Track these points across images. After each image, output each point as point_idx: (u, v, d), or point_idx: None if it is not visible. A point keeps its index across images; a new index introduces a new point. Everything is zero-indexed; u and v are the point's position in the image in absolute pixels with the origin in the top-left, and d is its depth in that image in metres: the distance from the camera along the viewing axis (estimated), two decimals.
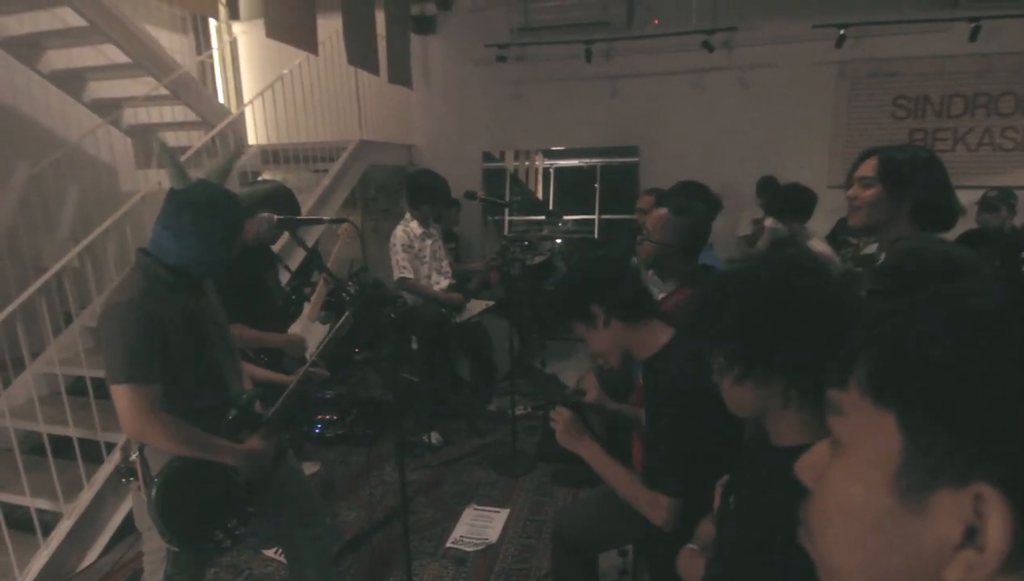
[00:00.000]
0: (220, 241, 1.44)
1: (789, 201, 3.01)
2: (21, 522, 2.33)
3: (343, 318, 1.85)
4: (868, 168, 1.51)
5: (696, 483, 1.25)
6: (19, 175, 3.68)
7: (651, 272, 2.02)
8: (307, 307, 2.35)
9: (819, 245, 2.89)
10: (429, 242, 3.31)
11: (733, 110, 4.69)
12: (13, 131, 3.81)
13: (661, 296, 1.83)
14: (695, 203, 1.84)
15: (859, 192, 1.52)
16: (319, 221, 2.03)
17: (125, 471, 1.46)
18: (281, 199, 2.22)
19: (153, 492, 1.38)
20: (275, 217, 1.71)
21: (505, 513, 2.65)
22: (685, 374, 1.33)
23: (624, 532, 1.67)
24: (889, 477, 0.37)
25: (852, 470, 0.40)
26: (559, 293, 1.58)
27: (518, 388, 3.38)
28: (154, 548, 1.52)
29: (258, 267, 2.34)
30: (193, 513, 1.44)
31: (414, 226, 3.25)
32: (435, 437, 3.32)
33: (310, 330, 2.37)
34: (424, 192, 3.24)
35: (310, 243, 2.44)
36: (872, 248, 1.77)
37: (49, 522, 2.35)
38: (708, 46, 4.40)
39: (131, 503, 2.44)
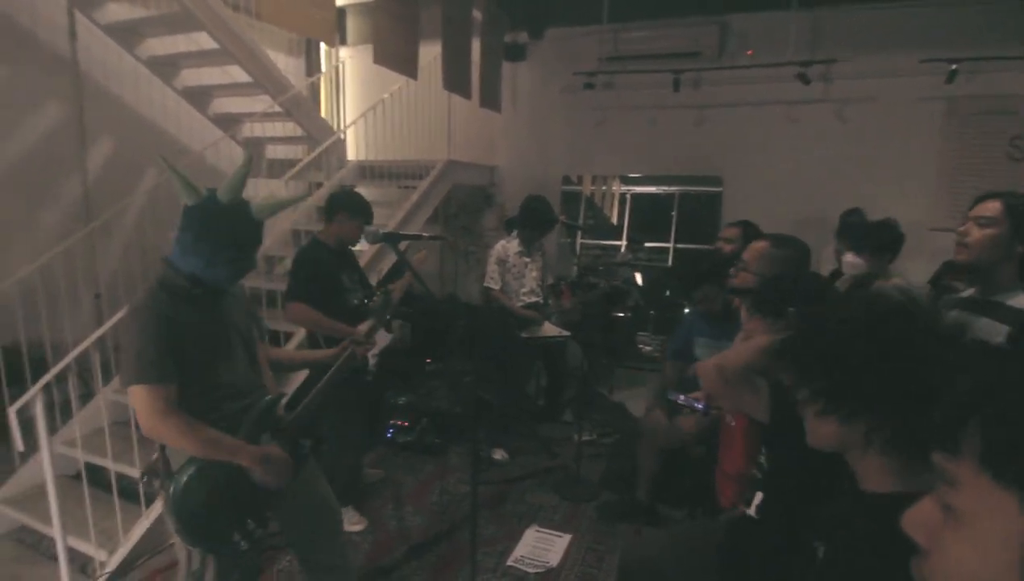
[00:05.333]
0: (228, 256, 1.43)
1: (871, 237, 2.85)
2: (127, 491, 2.58)
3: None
4: (989, 209, 1.52)
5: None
6: (149, 179, 4.14)
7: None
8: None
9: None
10: (527, 261, 3.57)
11: (828, 144, 4.51)
12: (149, 139, 4.29)
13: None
14: (795, 238, 1.82)
15: (973, 229, 1.53)
16: (419, 237, 2.18)
17: (147, 471, 1.50)
18: (356, 203, 2.52)
19: (171, 490, 1.40)
20: (380, 230, 1.85)
21: (567, 538, 2.64)
22: None
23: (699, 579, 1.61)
24: (1013, 559, 0.36)
25: (973, 546, 0.39)
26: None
27: (584, 413, 3.37)
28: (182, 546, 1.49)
29: (338, 266, 2.58)
30: (210, 513, 1.43)
31: (514, 245, 3.55)
32: (500, 454, 3.36)
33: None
34: (531, 216, 3.49)
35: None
36: (967, 293, 1.69)
37: (151, 493, 2.57)
38: (804, 78, 4.27)
39: None
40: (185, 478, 1.41)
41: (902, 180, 4.33)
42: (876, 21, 4.26)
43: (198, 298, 1.46)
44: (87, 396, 3.18)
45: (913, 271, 2.94)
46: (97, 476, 2.62)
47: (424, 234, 2.22)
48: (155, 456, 1.47)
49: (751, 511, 1.40)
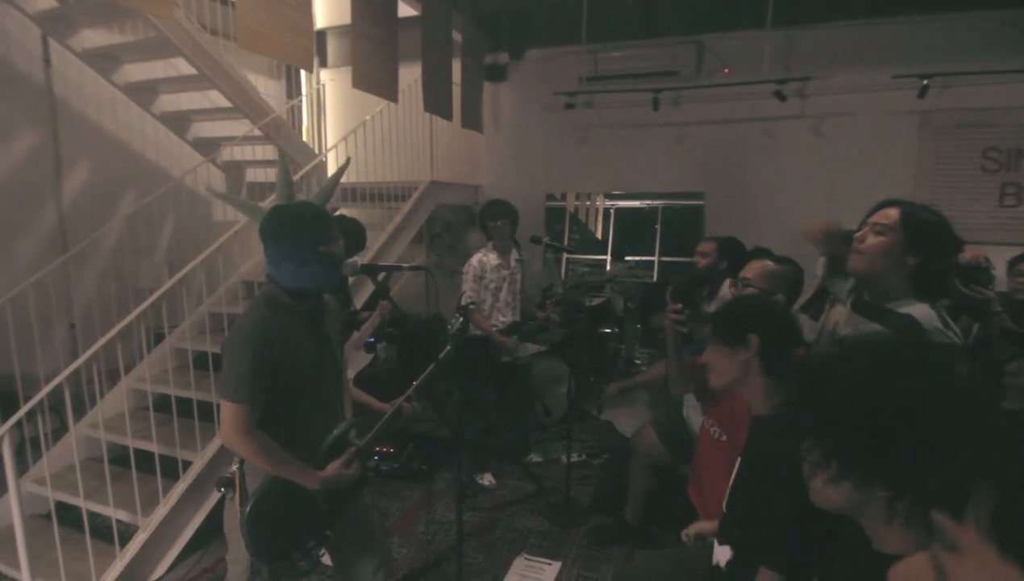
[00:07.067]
0: (311, 245, 1.47)
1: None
2: (100, 530, 2.49)
3: (444, 352, 1.92)
4: (886, 216, 1.46)
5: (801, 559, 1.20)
6: (126, 205, 4.08)
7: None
8: (355, 335, 2.46)
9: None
10: (506, 274, 3.26)
11: (806, 159, 4.58)
12: (126, 164, 4.24)
13: None
14: (791, 259, 1.86)
15: (868, 236, 1.46)
16: (399, 268, 2.15)
17: (224, 482, 1.54)
18: (353, 233, 2.40)
19: (247, 508, 1.47)
20: (359, 262, 1.82)
21: (557, 566, 2.58)
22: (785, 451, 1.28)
23: None
24: None
25: None
26: (729, 306, 1.55)
27: (573, 434, 3.32)
28: (238, 559, 1.63)
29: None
30: (278, 532, 1.53)
31: (492, 257, 3.22)
32: (487, 479, 3.30)
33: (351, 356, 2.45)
34: (485, 212, 3.28)
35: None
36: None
37: (125, 533, 2.49)
38: (780, 96, 4.34)
39: (198, 521, 2.58)
40: (259, 497, 1.49)
41: (881, 192, 4.34)
42: (848, 38, 4.36)
43: (302, 311, 1.53)
44: (60, 430, 3.09)
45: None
46: (69, 515, 2.53)
47: (404, 265, 2.18)
48: (233, 469, 1.54)
49: (721, 564, 1.36)
